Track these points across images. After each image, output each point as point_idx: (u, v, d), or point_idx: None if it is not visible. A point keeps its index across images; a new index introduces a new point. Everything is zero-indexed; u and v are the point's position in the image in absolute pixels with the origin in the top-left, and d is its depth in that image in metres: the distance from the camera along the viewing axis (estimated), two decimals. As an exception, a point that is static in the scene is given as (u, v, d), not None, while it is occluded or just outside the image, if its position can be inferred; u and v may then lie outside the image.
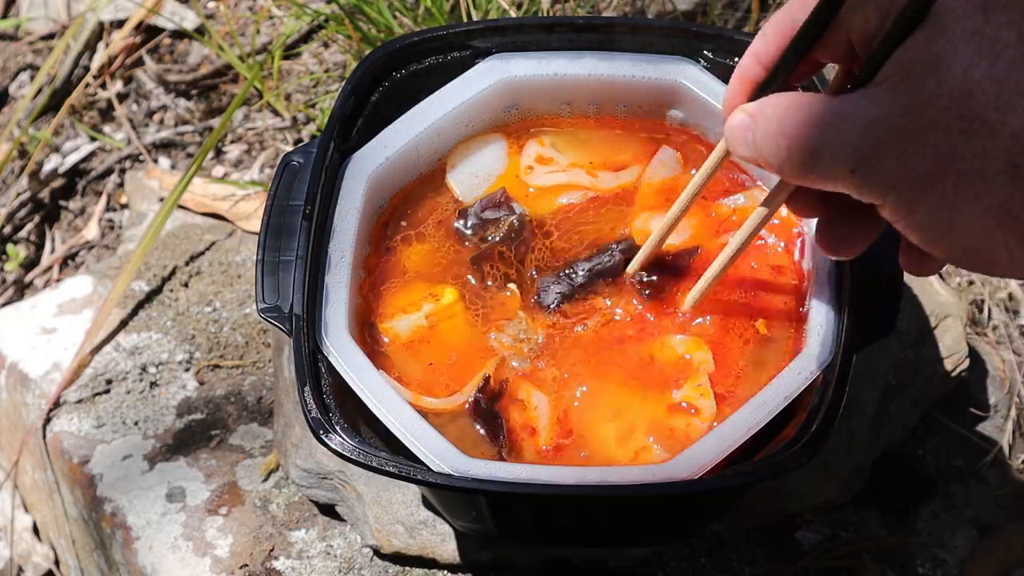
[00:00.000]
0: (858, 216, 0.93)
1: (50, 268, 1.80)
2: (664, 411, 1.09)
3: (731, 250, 1.08)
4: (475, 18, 1.61)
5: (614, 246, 1.16)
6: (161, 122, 1.86)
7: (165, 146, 1.83)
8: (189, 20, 1.89)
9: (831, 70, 0.96)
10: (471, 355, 1.14)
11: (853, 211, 0.93)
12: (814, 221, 1.00)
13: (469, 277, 1.18)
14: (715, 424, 1.07)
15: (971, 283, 1.57)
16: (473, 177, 1.23)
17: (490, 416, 1.09)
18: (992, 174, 0.80)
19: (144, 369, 1.47)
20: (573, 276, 1.16)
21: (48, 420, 1.44)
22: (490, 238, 1.18)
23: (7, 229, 1.84)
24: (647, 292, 1.15)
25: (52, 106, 1.86)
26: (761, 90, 0.94)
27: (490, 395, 1.10)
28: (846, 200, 0.88)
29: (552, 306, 1.15)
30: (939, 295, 1.42)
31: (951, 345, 1.40)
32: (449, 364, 1.13)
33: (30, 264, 1.82)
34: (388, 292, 1.17)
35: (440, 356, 1.14)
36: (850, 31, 0.88)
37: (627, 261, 1.15)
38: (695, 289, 1.13)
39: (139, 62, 1.89)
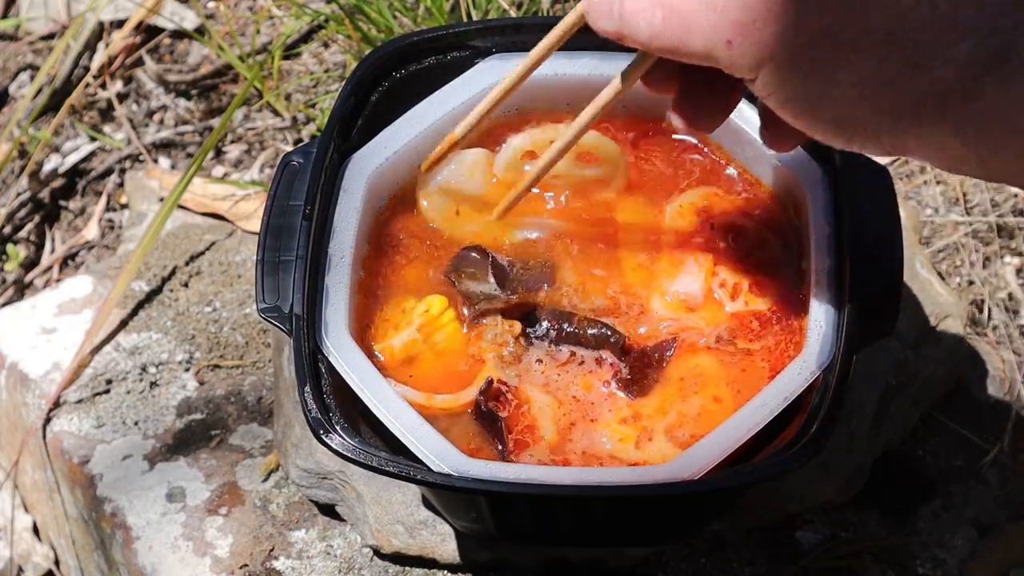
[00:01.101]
0: (717, 88, 0.93)
1: (50, 268, 1.80)
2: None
3: (575, 129, 1.06)
4: (475, 18, 1.61)
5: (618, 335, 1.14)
6: (161, 122, 1.86)
7: (165, 146, 1.83)
8: (189, 20, 1.89)
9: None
10: (469, 360, 1.14)
11: (711, 83, 0.93)
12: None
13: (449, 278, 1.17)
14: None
15: (971, 283, 1.57)
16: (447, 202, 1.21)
17: (490, 418, 1.09)
18: (869, 44, 0.82)
19: (144, 369, 1.47)
20: (581, 326, 1.14)
21: (48, 420, 1.44)
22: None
23: (7, 229, 1.84)
24: (621, 379, 1.12)
25: (52, 106, 1.86)
26: None
27: (492, 397, 1.10)
28: (705, 73, 0.89)
29: (537, 335, 1.14)
30: (939, 295, 1.42)
31: (951, 345, 1.40)
32: (449, 371, 1.13)
33: (30, 264, 1.82)
34: (381, 307, 1.17)
35: (439, 365, 1.14)
36: None
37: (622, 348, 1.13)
38: (533, 169, 1.11)
39: (139, 62, 1.89)
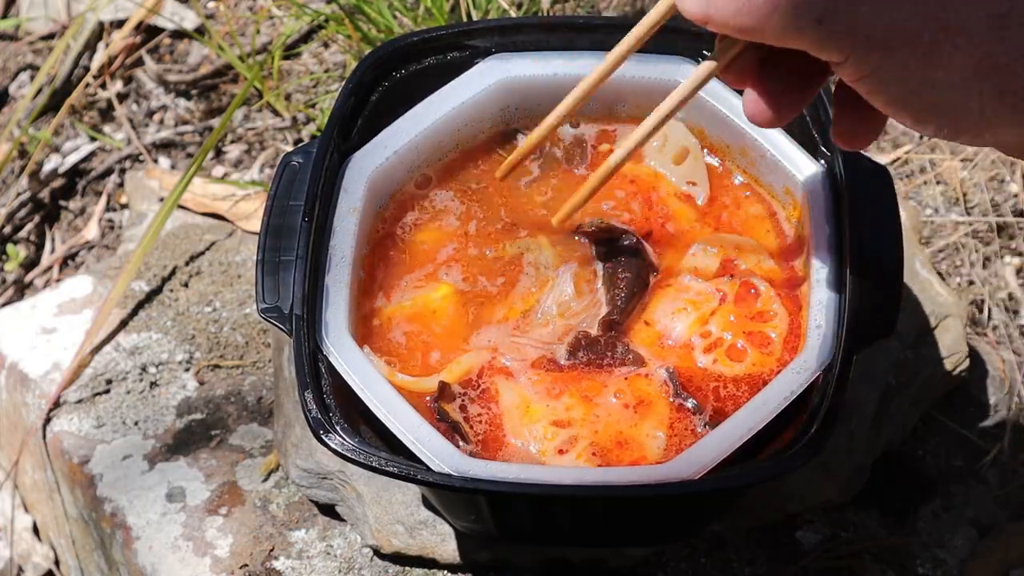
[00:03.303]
0: (796, 81, 0.90)
1: (50, 268, 1.80)
2: (611, 436, 1.09)
3: (655, 118, 1.01)
4: (475, 18, 1.61)
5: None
6: (161, 122, 1.86)
7: (165, 146, 1.83)
8: (189, 20, 1.89)
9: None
10: (458, 348, 1.14)
11: (792, 76, 0.89)
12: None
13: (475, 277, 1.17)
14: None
15: (971, 283, 1.57)
16: None
17: (452, 425, 1.09)
18: (975, 26, 0.79)
19: (144, 369, 1.47)
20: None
21: (48, 420, 1.44)
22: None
23: (7, 229, 1.84)
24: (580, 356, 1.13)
25: (52, 106, 1.86)
26: None
27: (448, 400, 1.10)
28: (787, 64, 0.86)
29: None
30: (939, 295, 1.42)
31: (951, 345, 1.40)
32: (438, 353, 1.14)
33: (30, 264, 1.82)
34: (385, 283, 1.17)
35: (429, 345, 1.14)
36: None
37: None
38: (618, 152, 1.05)
39: (139, 62, 1.89)
